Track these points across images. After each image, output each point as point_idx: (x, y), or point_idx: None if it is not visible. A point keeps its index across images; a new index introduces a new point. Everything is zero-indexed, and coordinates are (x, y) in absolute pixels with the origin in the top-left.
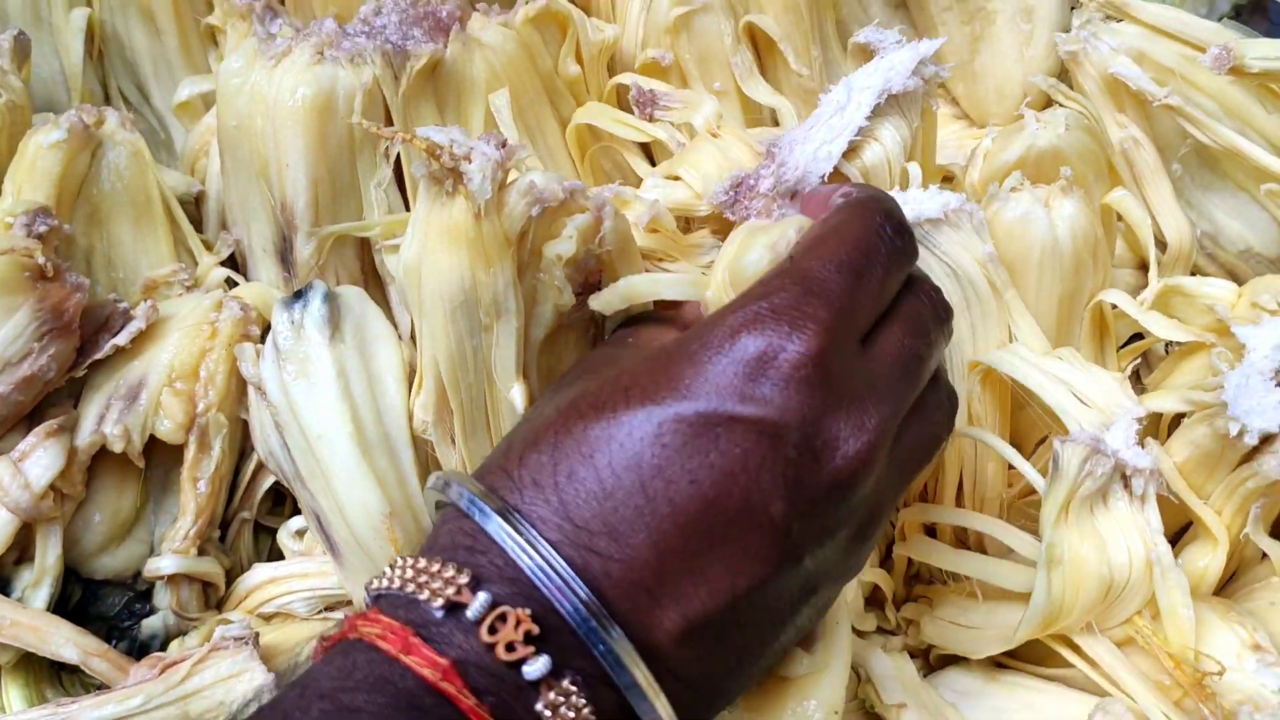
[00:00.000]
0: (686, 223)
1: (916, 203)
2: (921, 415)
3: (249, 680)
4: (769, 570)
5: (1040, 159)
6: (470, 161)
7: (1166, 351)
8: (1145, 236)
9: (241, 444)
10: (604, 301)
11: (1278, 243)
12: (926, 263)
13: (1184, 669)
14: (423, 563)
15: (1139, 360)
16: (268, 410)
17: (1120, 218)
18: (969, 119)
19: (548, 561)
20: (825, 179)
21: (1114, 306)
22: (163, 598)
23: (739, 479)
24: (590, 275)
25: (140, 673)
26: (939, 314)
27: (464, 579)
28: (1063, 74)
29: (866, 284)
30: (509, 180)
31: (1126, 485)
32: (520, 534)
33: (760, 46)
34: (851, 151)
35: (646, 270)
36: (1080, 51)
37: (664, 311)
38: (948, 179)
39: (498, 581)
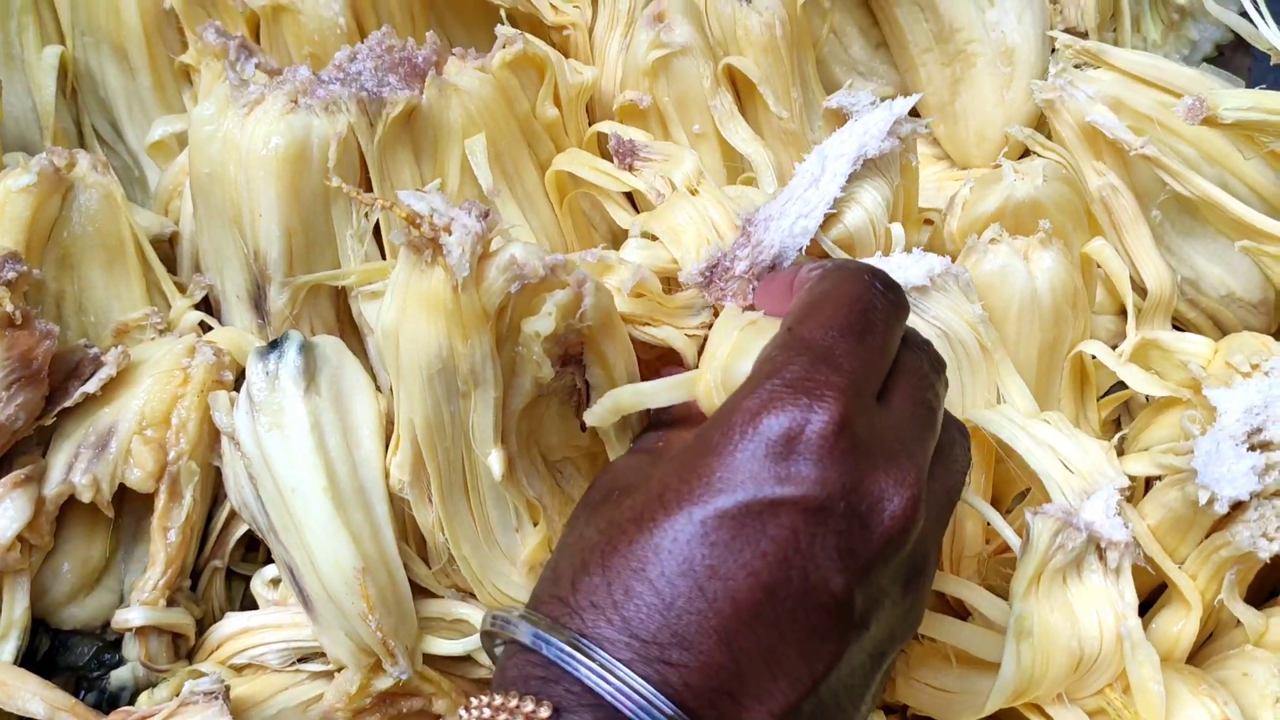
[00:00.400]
0: (668, 281)
1: (901, 269)
2: (943, 457)
3: None
4: (841, 646)
5: (1019, 210)
6: (450, 233)
7: (1147, 400)
8: (1124, 287)
9: (214, 490)
10: (597, 416)
11: (1260, 287)
12: (917, 326)
13: None
14: (498, 699)
15: (1121, 408)
16: (241, 461)
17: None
18: (950, 160)
19: (625, 683)
20: (803, 253)
21: (1094, 357)
22: (132, 649)
23: (794, 561)
24: (571, 348)
25: None
26: (935, 365)
27: (545, 712)
28: (1041, 118)
29: (871, 343)
30: (491, 249)
31: (1102, 557)
32: (593, 659)
33: (740, 88)
34: (832, 217)
35: (633, 334)
36: (1057, 99)
37: (678, 409)
38: (929, 222)
39: (578, 709)
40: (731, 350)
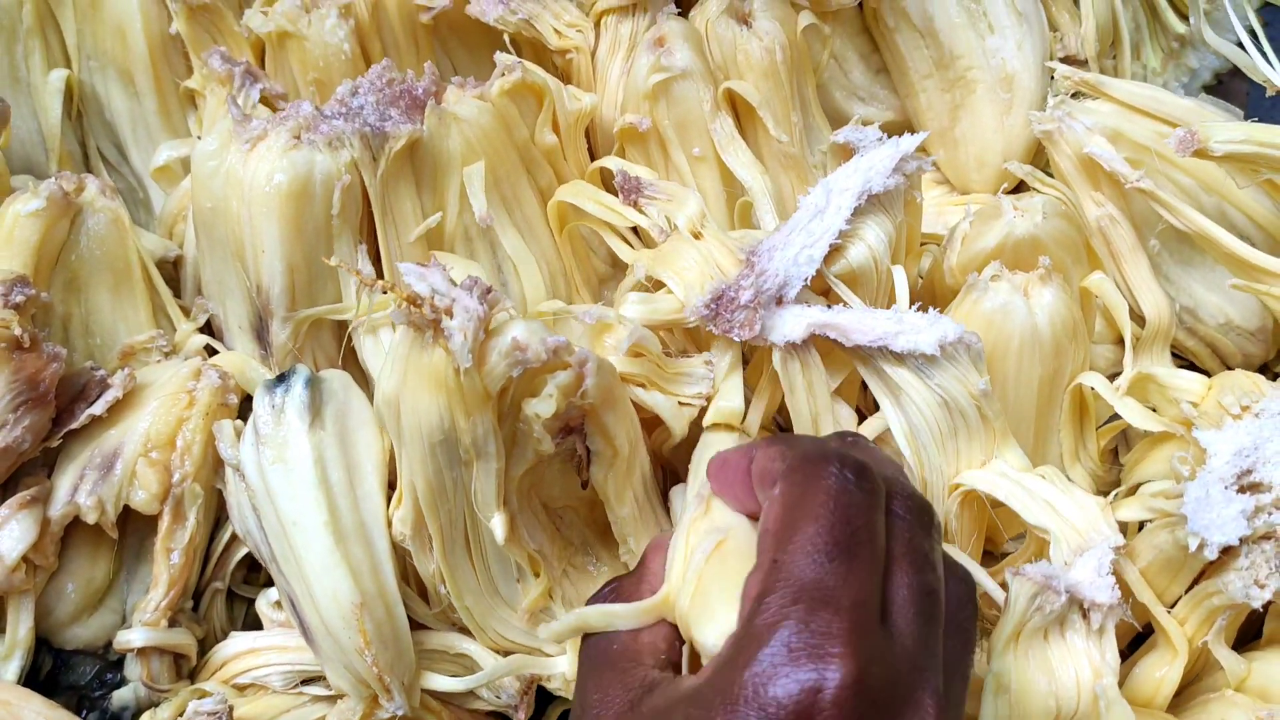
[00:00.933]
0: (672, 331)
1: (914, 332)
2: (954, 629)
3: None
4: None
5: (1018, 246)
6: (452, 316)
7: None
8: (1123, 320)
9: (216, 512)
10: (554, 634)
11: (1258, 315)
12: (918, 390)
13: None
14: None
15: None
16: (245, 492)
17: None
18: (949, 184)
19: None
20: (808, 283)
21: (1093, 389)
22: (134, 669)
23: None
24: (572, 421)
25: None
26: (925, 521)
27: None
28: (1040, 147)
29: (863, 557)
30: (492, 327)
31: (1086, 617)
32: None
33: (740, 112)
34: (836, 251)
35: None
36: (1055, 131)
37: (626, 587)
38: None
39: None
40: (695, 600)
